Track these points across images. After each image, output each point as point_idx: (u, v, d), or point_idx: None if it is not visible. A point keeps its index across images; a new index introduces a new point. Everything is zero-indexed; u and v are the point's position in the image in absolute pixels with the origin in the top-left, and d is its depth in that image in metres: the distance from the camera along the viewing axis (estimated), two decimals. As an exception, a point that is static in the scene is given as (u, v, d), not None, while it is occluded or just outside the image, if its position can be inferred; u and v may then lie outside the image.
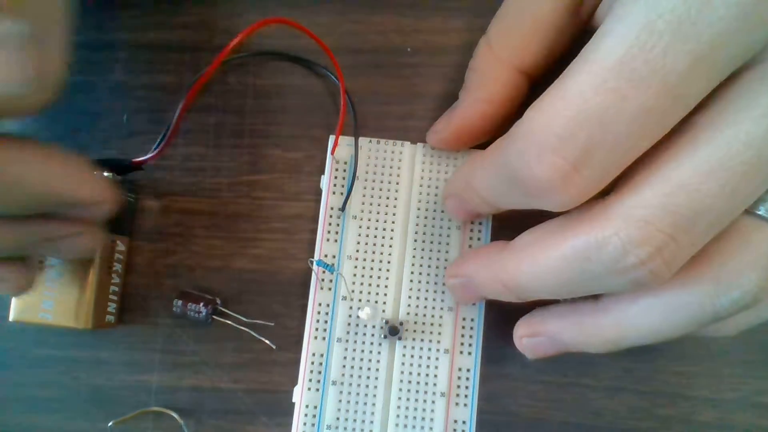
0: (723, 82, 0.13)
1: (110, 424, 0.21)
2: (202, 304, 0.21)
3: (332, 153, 0.22)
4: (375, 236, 0.21)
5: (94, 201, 0.17)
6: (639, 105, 0.12)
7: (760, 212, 0.15)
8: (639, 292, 0.16)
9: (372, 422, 0.20)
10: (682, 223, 0.13)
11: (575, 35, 0.19)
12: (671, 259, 0.14)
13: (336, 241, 0.22)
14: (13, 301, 0.20)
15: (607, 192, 0.15)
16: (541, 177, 0.14)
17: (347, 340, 0.21)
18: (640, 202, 0.14)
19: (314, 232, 0.22)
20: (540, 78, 0.20)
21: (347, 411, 0.20)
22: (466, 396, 0.21)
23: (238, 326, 0.21)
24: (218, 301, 0.22)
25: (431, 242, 0.21)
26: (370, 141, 0.22)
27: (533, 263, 0.16)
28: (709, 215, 0.13)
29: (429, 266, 0.21)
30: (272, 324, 0.22)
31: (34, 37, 0.13)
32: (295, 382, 0.21)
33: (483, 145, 0.21)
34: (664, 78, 0.12)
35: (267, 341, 0.21)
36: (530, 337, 0.19)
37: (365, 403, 0.21)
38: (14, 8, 0.13)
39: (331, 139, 0.22)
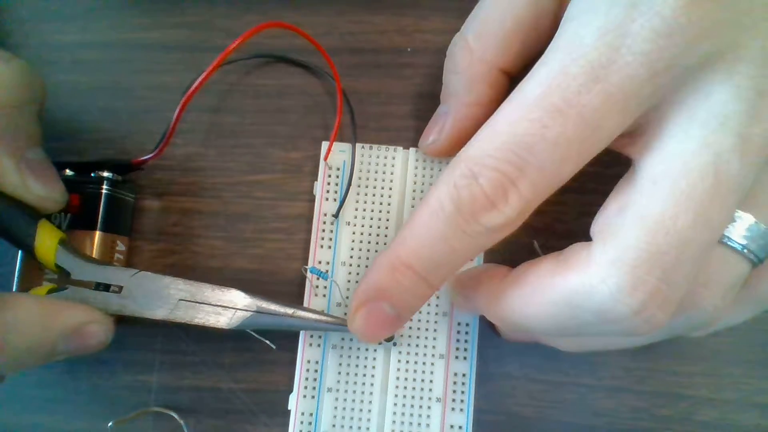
0: (658, 120, 0.14)
1: (110, 424, 0.21)
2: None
3: (325, 159, 0.22)
4: (369, 242, 0.21)
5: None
6: (558, 133, 0.14)
7: (722, 239, 0.15)
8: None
9: (368, 429, 0.20)
10: (668, 262, 0.13)
11: (551, 36, 0.19)
12: (665, 302, 0.14)
13: (330, 247, 0.21)
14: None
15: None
16: (484, 187, 0.15)
17: (342, 347, 0.21)
18: (622, 245, 0.14)
19: (314, 232, 0.22)
20: (519, 76, 0.20)
21: (343, 418, 0.20)
22: (462, 401, 0.20)
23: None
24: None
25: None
26: (363, 147, 0.22)
27: (527, 305, 0.16)
28: (691, 247, 0.14)
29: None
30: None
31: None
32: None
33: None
34: (580, 111, 0.14)
35: (267, 341, 0.20)
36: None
37: (361, 410, 0.20)
38: None
39: (324, 145, 0.22)
